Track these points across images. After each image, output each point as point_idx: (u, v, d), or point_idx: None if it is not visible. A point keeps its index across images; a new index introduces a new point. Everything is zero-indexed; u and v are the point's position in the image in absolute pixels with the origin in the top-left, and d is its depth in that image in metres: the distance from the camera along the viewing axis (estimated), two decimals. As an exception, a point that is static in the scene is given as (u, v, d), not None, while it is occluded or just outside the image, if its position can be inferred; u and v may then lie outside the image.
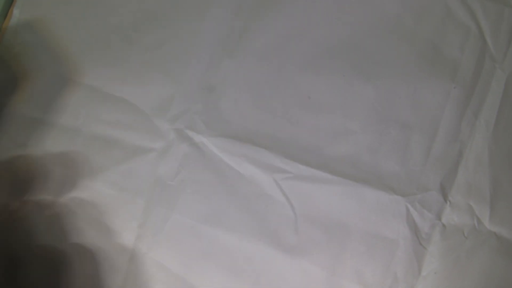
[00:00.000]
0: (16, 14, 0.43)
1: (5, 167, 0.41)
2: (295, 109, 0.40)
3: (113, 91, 0.41)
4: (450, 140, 0.39)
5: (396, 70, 0.40)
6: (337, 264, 0.39)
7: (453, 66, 0.39)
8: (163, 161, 0.41)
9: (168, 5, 0.42)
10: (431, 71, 0.40)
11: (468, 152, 0.39)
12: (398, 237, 0.39)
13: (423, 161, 0.39)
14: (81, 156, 0.41)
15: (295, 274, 0.39)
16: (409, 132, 0.40)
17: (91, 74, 0.42)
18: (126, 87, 0.41)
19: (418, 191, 0.39)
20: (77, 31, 0.42)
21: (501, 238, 0.38)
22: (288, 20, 0.41)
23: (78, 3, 0.43)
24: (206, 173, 0.40)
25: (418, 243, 0.39)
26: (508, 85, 0.39)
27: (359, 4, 0.40)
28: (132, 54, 0.42)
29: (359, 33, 0.40)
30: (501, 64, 0.39)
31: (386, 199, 0.39)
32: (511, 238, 0.38)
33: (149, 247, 0.40)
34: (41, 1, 0.43)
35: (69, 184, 0.41)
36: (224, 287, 0.40)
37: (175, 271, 0.40)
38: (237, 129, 0.41)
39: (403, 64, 0.40)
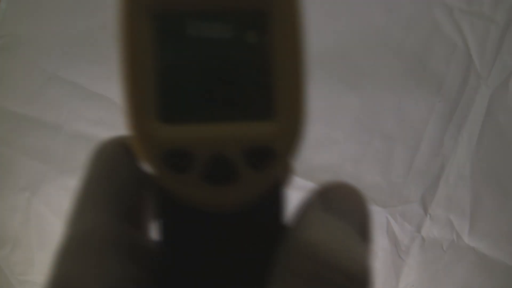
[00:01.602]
0: (3, 7, 0.42)
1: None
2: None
3: (96, 89, 0.41)
4: (433, 154, 0.39)
5: (381, 82, 0.40)
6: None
7: (439, 80, 0.40)
8: (144, 162, 0.40)
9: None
10: (416, 84, 0.40)
11: (450, 166, 0.39)
12: (377, 248, 0.39)
13: (405, 173, 0.39)
14: (62, 153, 0.41)
15: None
16: (393, 144, 0.40)
17: (75, 70, 0.41)
18: (110, 85, 0.41)
19: (399, 203, 0.39)
20: (63, 27, 0.42)
21: (479, 254, 0.38)
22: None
23: (66, -2, 0.42)
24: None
25: (397, 255, 0.39)
26: (492, 101, 0.39)
27: (348, 14, 0.40)
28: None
29: (346, 43, 0.40)
30: (486, 80, 0.39)
31: (367, 210, 0.39)
32: (489, 254, 0.38)
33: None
34: (28, -5, 0.42)
35: (48, 180, 0.40)
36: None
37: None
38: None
39: (389, 76, 0.40)
